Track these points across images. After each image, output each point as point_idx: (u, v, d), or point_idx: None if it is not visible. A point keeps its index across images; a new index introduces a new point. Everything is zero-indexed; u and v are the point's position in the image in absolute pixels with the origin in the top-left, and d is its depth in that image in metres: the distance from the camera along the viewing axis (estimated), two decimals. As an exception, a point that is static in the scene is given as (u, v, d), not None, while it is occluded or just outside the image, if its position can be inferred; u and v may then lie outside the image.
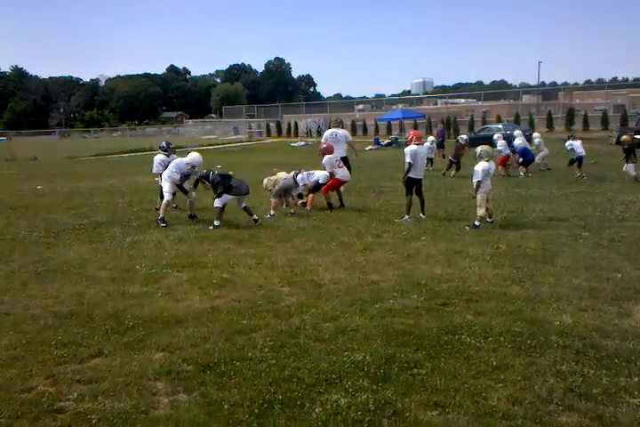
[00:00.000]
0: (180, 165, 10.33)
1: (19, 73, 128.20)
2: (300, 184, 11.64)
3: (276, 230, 9.30)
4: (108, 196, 14.64)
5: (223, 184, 9.65)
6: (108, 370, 4.18)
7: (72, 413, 3.59)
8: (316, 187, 11.57)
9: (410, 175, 10.25)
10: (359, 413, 3.47)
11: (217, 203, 9.75)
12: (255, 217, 9.95)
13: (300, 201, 11.93)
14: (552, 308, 5.32)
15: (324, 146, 12.19)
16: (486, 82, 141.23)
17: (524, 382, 3.84)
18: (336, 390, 3.77)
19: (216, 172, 9.88)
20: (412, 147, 10.21)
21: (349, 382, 3.86)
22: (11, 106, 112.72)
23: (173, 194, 10.40)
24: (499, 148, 17.18)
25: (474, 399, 3.62)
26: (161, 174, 11.17)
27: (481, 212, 9.36)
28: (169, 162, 11.30)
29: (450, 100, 61.10)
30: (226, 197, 9.71)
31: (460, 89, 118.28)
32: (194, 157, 10.36)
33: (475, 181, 9.46)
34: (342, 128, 14.32)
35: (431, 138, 20.13)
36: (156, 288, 6.21)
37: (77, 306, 5.63)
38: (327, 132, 14.02)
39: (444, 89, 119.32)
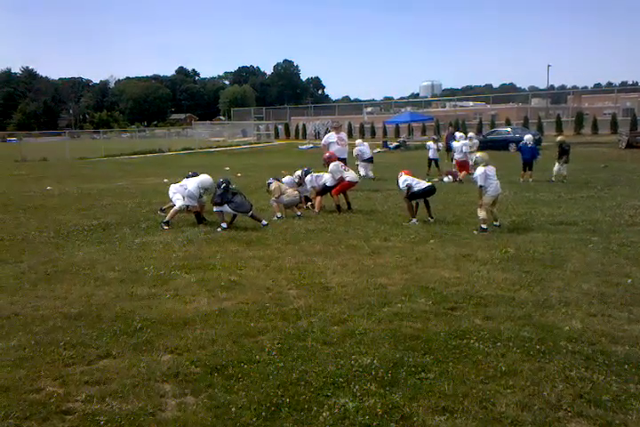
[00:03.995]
0: (194, 194, 10.12)
1: (29, 74, 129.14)
2: (309, 186, 11.68)
3: (284, 233, 9.31)
4: (118, 197, 14.69)
5: (222, 198, 9.71)
6: (116, 371, 4.19)
7: (80, 414, 3.59)
8: (324, 190, 11.58)
9: (414, 191, 10.25)
10: (367, 417, 3.46)
11: (215, 208, 9.85)
12: (264, 222, 9.96)
13: (309, 203, 11.94)
14: (561, 313, 5.29)
15: (328, 155, 12.32)
16: (495, 85, 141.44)
17: (532, 387, 3.82)
18: (344, 394, 3.76)
19: (222, 186, 9.84)
20: (404, 176, 10.43)
21: (357, 386, 3.85)
22: (21, 107, 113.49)
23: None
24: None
25: (482, 405, 3.60)
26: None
27: (481, 214, 9.37)
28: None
29: (458, 103, 61.03)
30: (225, 207, 9.77)
31: (468, 92, 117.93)
32: (205, 180, 10.22)
33: (478, 186, 9.53)
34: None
35: (430, 143, 20.19)
36: (165, 290, 6.23)
37: (86, 307, 5.65)
38: (341, 135, 14.56)
39: (452, 92, 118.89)
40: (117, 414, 3.55)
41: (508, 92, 78.37)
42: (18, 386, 3.99)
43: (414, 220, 10.18)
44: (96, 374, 4.16)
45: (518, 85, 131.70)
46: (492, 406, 3.58)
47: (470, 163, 19.11)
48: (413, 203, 10.40)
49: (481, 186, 9.44)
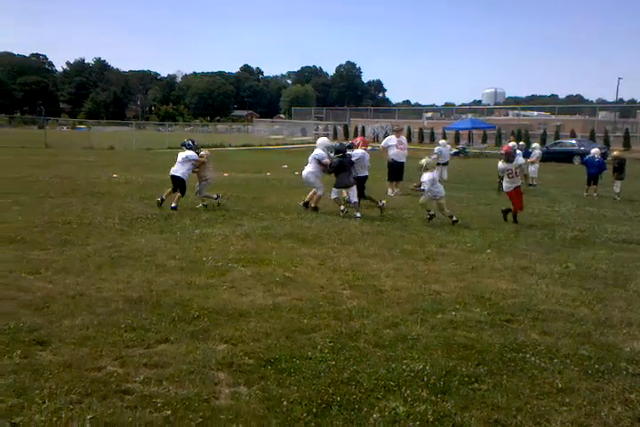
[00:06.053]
0: (321, 155, 11.58)
1: (101, 65, 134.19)
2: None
3: (340, 233, 9.34)
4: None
5: (334, 166, 11.20)
6: (173, 357, 4.31)
7: (139, 395, 3.71)
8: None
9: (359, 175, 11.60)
10: (417, 423, 3.44)
11: (333, 194, 11.36)
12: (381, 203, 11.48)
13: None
14: (622, 333, 5.11)
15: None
16: (561, 96, 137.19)
17: (589, 407, 3.72)
18: (394, 398, 3.76)
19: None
20: (359, 151, 11.70)
21: (408, 391, 3.83)
22: (92, 96, 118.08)
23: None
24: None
25: (536, 420, 3.52)
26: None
27: (426, 206, 10.81)
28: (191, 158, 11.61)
29: (522, 112, 59.62)
30: (334, 190, 11.34)
31: (533, 101, 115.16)
32: (324, 140, 12.45)
33: (425, 189, 10.69)
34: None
35: None
36: (222, 281, 6.36)
37: (147, 292, 5.83)
38: (401, 138, 14.93)
39: (516, 101, 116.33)
40: (173, 398, 3.66)
41: (574, 104, 76.12)
42: (80, 363, 4.15)
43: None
44: (154, 357, 4.29)
45: (585, 97, 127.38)
46: (547, 423, 3.50)
47: (530, 174, 18.63)
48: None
49: (429, 190, 10.64)
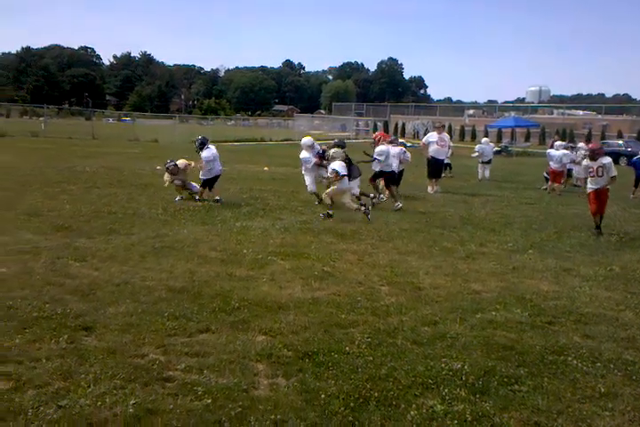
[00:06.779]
0: (307, 158, 11.59)
1: (147, 59, 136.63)
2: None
3: (379, 230, 9.33)
4: (221, 181, 15.14)
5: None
6: (214, 346, 4.39)
7: (180, 382, 3.79)
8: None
9: (382, 169, 11.94)
10: (455, 421, 3.43)
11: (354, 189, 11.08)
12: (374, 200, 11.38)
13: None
14: (669, 340, 4.98)
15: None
16: (608, 95, 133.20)
17: (633, 413, 3.63)
18: (432, 396, 3.74)
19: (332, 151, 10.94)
20: (383, 147, 11.92)
21: (446, 390, 3.81)
22: (137, 89, 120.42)
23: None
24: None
25: (577, 424, 3.46)
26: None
27: (328, 201, 10.34)
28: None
29: (567, 111, 58.17)
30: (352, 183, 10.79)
31: (578, 100, 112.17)
32: (305, 140, 11.92)
33: (340, 173, 10.17)
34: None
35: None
36: (261, 273, 6.43)
37: (189, 282, 5.94)
38: (443, 135, 14.90)
39: (561, 99, 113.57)
40: (214, 387, 3.72)
41: (621, 103, 73.92)
42: (124, 350, 4.26)
43: (398, 203, 11.54)
44: (195, 346, 4.37)
45: (634, 97, 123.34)
46: (589, 428, 3.44)
47: (575, 174, 18.11)
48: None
49: (343, 175, 10.16)
